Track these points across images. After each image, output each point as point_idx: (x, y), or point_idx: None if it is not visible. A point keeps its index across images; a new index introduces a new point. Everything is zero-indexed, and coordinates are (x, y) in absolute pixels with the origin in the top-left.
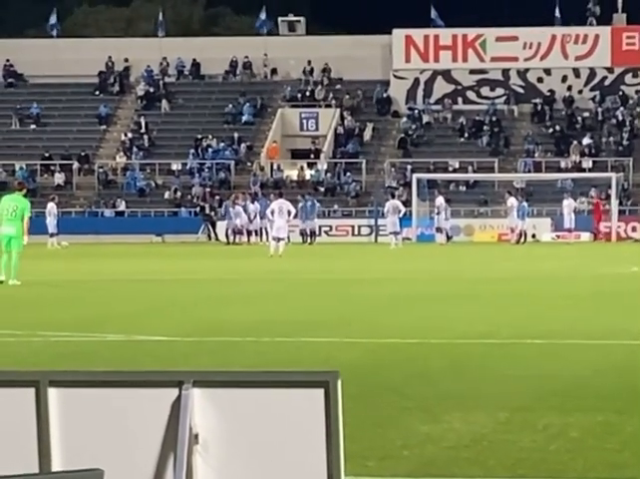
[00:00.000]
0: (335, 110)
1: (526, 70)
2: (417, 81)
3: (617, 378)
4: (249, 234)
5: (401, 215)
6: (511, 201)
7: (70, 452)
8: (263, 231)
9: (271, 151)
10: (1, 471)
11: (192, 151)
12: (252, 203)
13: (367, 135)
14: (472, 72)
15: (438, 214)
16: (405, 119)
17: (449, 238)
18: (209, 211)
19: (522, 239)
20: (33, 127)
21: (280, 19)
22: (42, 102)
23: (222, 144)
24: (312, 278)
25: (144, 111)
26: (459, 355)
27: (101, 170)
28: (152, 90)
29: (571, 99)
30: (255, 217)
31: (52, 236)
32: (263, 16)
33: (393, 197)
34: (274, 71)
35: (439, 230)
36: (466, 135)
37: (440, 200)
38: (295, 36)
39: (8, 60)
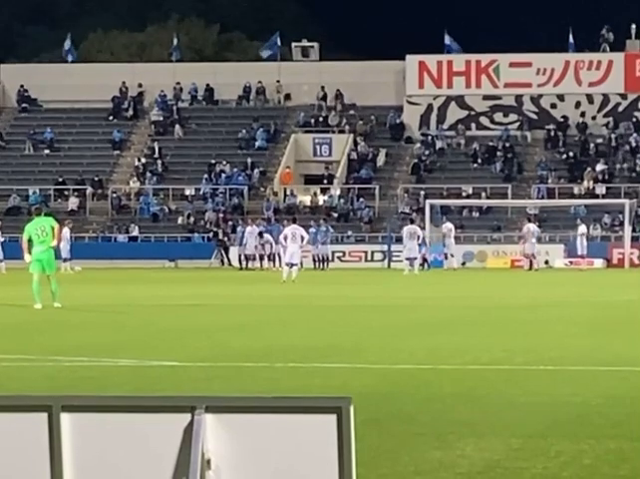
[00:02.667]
0: (348, 135)
1: (540, 96)
2: (430, 107)
3: (630, 405)
4: (262, 259)
5: (420, 241)
6: (529, 226)
7: (82, 477)
8: (276, 256)
9: (284, 176)
10: None
11: (206, 176)
12: (261, 237)
13: (380, 160)
14: (485, 98)
15: (446, 239)
16: (418, 144)
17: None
18: (222, 236)
19: (536, 266)
20: (47, 152)
21: (294, 44)
22: (56, 127)
23: (236, 169)
24: (325, 304)
25: (157, 136)
26: (471, 382)
27: (114, 195)
28: (165, 115)
29: (585, 125)
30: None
31: (65, 260)
32: (277, 41)
33: (412, 222)
34: (287, 96)
35: (446, 255)
36: (479, 161)
37: (448, 225)
38: (309, 61)
39: (22, 85)
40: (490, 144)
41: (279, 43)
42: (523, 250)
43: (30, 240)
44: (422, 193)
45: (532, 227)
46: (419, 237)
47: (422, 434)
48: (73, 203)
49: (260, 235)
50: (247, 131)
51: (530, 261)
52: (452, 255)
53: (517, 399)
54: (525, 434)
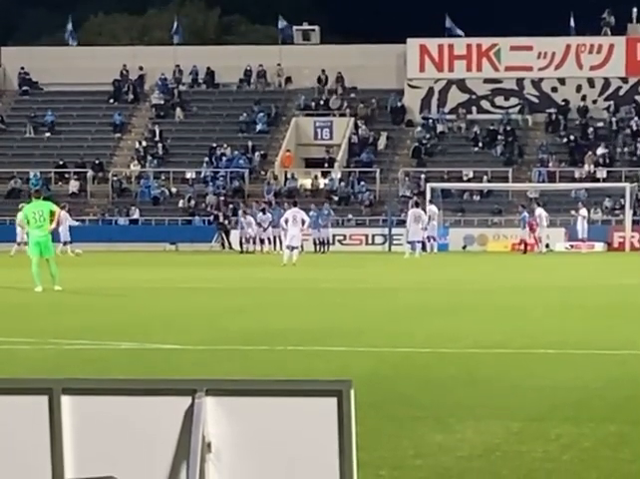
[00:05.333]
0: (349, 119)
1: (541, 80)
2: (431, 90)
3: (630, 389)
4: (262, 242)
5: (423, 225)
6: (539, 211)
7: (83, 460)
8: (277, 239)
9: (285, 159)
10: None
11: (207, 159)
12: (264, 213)
13: (381, 144)
14: (486, 81)
15: (427, 222)
16: (419, 128)
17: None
18: (223, 219)
19: (540, 249)
20: (47, 134)
21: (295, 28)
22: (56, 110)
23: (236, 152)
24: (326, 288)
25: (158, 119)
26: (472, 365)
27: (115, 178)
28: (166, 98)
29: (585, 109)
30: (268, 226)
31: (65, 244)
32: (282, 24)
33: (417, 205)
34: (288, 80)
35: (430, 238)
36: (480, 144)
37: (432, 208)
38: (310, 45)
39: (23, 68)
40: (491, 127)
41: (281, 26)
42: (529, 236)
43: (28, 223)
44: (422, 176)
45: (542, 211)
46: (423, 220)
47: (422, 417)
48: (73, 186)
49: (263, 211)
50: (248, 114)
51: (528, 245)
52: (432, 239)
53: (517, 383)
54: (525, 417)
